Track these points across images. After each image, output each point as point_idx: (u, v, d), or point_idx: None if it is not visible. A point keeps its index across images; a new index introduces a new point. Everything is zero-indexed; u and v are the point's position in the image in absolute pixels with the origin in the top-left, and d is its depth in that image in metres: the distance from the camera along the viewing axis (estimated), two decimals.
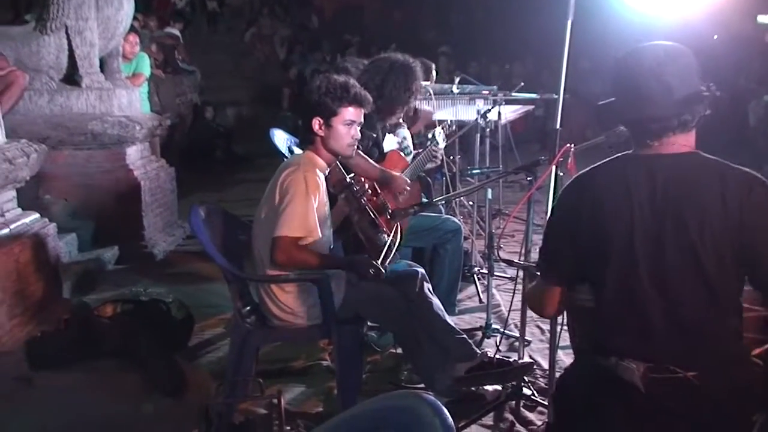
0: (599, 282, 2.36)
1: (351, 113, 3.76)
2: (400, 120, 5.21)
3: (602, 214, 2.34)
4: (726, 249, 2.24)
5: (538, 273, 2.64)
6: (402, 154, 5.00)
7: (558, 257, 2.52)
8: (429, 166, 5.20)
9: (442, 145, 5.13)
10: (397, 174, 4.73)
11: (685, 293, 2.26)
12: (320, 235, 3.67)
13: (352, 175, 4.25)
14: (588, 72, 14.70)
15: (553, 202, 3.53)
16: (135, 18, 8.27)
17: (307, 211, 3.58)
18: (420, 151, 5.10)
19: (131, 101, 7.35)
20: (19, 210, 4.68)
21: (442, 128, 5.21)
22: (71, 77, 6.93)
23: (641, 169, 2.34)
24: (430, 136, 5.15)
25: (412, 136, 5.39)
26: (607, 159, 2.45)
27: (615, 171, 2.40)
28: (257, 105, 16.24)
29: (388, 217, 4.31)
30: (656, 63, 2.32)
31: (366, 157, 4.56)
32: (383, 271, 3.68)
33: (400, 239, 4.16)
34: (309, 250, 3.63)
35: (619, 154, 2.44)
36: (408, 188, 4.71)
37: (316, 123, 3.74)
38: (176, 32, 13.97)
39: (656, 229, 2.27)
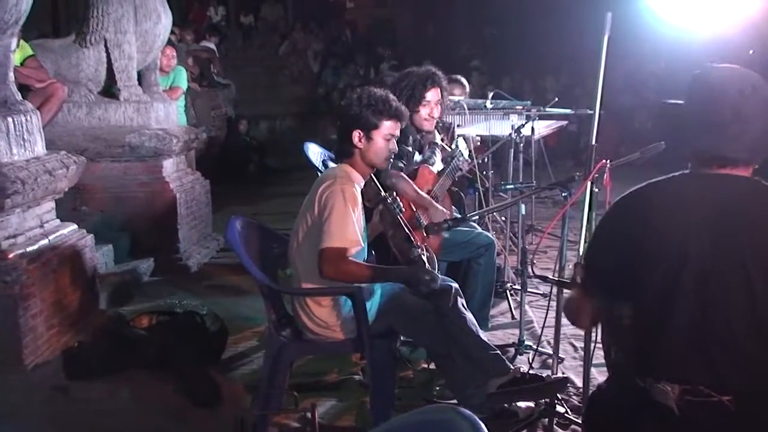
0: (640, 298, 2.34)
1: (391, 127, 3.81)
2: (437, 139, 5.24)
3: (655, 229, 2.30)
4: None
5: (579, 282, 2.60)
6: (431, 168, 5.03)
7: (601, 270, 2.48)
8: (458, 174, 5.23)
9: (465, 154, 5.16)
10: (442, 209, 4.76)
11: (730, 317, 2.22)
12: (363, 245, 3.70)
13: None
14: (621, 86, 14.64)
15: (588, 218, 3.52)
16: (172, 32, 8.36)
17: (348, 222, 3.60)
18: (445, 167, 5.12)
19: (168, 114, 7.43)
20: (58, 221, 4.73)
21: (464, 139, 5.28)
22: (109, 90, 7.03)
23: (700, 189, 2.32)
24: (453, 146, 5.18)
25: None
26: (665, 176, 2.42)
27: (673, 189, 2.37)
28: (291, 119, 16.32)
29: (424, 232, 4.32)
30: (741, 98, 2.27)
31: (411, 182, 4.61)
32: (438, 278, 3.69)
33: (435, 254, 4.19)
34: (357, 263, 3.66)
35: (677, 173, 2.41)
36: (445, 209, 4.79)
37: (356, 135, 3.78)
38: (212, 46, 14.13)
39: (709, 251, 2.23)
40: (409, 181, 4.61)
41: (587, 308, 2.55)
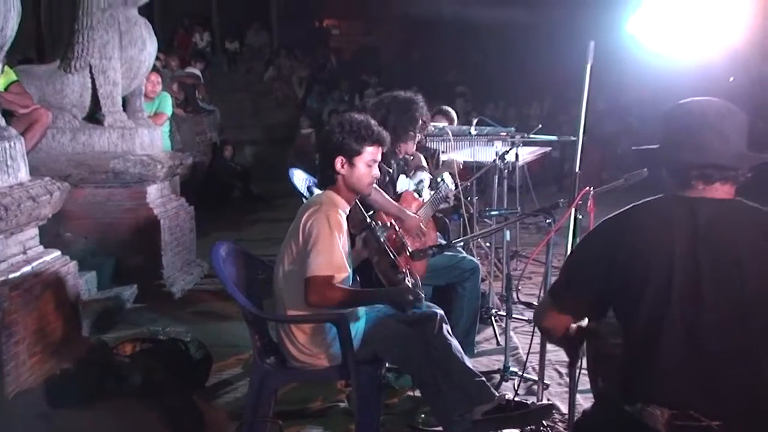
0: (629, 321, 2.35)
1: (373, 152, 3.83)
2: (423, 163, 5.27)
3: (641, 252, 2.32)
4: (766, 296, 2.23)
5: (554, 297, 2.61)
6: (416, 195, 5.04)
7: (581, 290, 2.50)
8: (443, 206, 5.24)
9: (451, 186, 5.18)
10: (413, 214, 4.78)
11: (719, 340, 2.24)
12: (349, 272, 3.69)
13: (371, 213, 4.28)
14: (603, 113, 14.75)
15: (573, 244, 3.54)
16: (157, 58, 8.36)
17: (333, 250, 3.60)
18: (432, 193, 5.15)
19: (153, 140, 7.41)
20: (41, 247, 4.70)
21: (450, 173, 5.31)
22: (94, 116, 7.01)
23: (685, 210, 2.35)
24: (439, 179, 5.21)
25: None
26: (649, 198, 2.45)
27: (657, 210, 2.40)
28: (275, 145, 16.34)
29: (408, 256, 4.32)
30: (720, 117, 2.36)
31: (383, 192, 4.61)
32: (422, 295, 3.69)
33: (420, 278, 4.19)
34: (342, 288, 3.64)
35: (660, 195, 2.45)
36: (422, 229, 4.79)
37: (339, 162, 3.79)
38: (197, 72, 14.13)
39: (695, 273, 2.26)
40: (379, 189, 4.60)
41: (561, 322, 2.58)
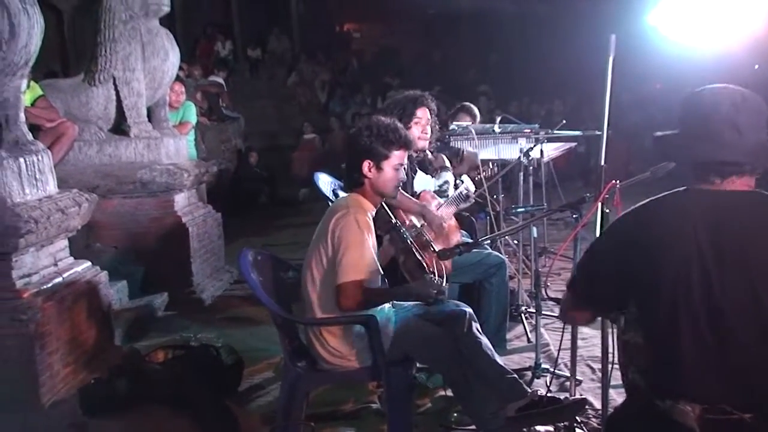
0: (651, 315, 2.34)
1: (400, 156, 3.84)
2: (446, 162, 5.26)
3: (661, 246, 2.30)
4: None
5: (575, 293, 2.61)
6: (435, 195, 5.03)
7: (597, 285, 2.49)
8: (463, 205, 5.22)
9: (470, 186, 5.17)
10: (434, 210, 4.77)
11: (741, 332, 2.21)
12: (381, 272, 3.70)
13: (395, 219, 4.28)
14: (628, 104, 14.64)
15: (600, 238, 3.51)
16: (180, 67, 8.42)
17: (364, 253, 3.62)
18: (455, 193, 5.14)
19: (179, 149, 7.47)
20: (72, 259, 4.75)
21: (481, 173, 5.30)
22: (119, 127, 7.08)
23: (704, 204, 2.33)
24: (458, 180, 5.20)
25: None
26: (668, 192, 2.43)
27: (677, 204, 2.38)
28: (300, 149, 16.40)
29: (434, 253, 4.31)
30: (734, 109, 2.31)
31: (404, 192, 4.61)
32: (444, 288, 3.70)
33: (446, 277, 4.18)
34: (372, 290, 3.66)
35: (680, 188, 2.43)
36: (444, 226, 4.78)
37: (367, 165, 3.79)
38: (220, 80, 14.22)
39: (716, 265, 2.23)
40: (400, 189, 4.61)
41: (581, 316, 2.59)
